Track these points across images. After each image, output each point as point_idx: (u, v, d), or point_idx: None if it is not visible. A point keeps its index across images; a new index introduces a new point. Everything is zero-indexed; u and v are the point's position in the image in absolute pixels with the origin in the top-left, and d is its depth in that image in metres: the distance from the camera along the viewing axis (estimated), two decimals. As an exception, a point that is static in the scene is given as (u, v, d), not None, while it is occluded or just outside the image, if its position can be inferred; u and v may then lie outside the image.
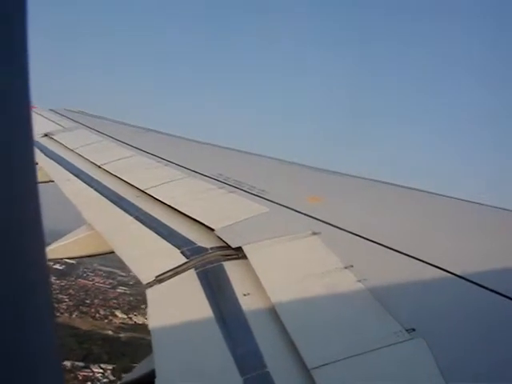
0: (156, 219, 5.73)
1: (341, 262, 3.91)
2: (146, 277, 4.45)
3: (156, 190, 6.60)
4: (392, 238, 4.30)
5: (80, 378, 36.35)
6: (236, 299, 3.80)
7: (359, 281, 3.60)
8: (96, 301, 51.42)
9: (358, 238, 4.37)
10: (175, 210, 5.82)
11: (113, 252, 5.38)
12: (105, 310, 49.65)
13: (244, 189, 6.16)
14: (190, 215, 5.52)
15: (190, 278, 4.28)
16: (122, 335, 45.17)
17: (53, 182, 8.18)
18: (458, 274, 3.56)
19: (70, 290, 51.19)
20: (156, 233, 5.36)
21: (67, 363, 35.10)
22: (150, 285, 4.32)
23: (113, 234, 5.81)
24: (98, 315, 48.26)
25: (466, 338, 3.02)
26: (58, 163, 9.05)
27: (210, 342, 3.42)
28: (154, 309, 4.04)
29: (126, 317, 48.98)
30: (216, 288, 4.03)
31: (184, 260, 4.56)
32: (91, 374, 37.32)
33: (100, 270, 59.61)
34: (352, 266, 3.82)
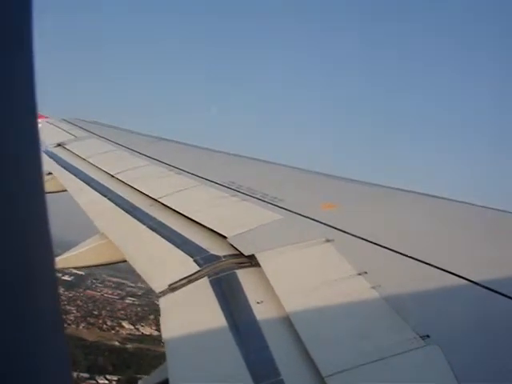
0: (169, 228, 5.74)
1: (354, 269, 3.89)
2: (158, 285, 4.45)
3: (169, 198, 6.61)
4: (406, 245, 4.27)
5: (85, 389, 36.42)
6: (249, 307, 3.79)
7: (373, 288, 3.58)
8: (104, 312, 51.49)
9: (371, 244, 4.35)
10: (188, 218, 5.83)
11: (125, 261, 5.39)
12: (112, 320, 49.69)
13: (257, 196, 6.15)
14: (203, 223, 5.52)
15: (203, 286, 4.27)
16: (128, 346, 45.22)
17: (66, 191, 8.22)
18: (472, 280, 3.53)
19: (78, 301, 51.30)
20: (169, 241, 5.37)
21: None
22: (163, 293, 4.32)
23: (126, 242, 5.82)
24: (105, 326, 48.31)
25: (481, 344, 2.99)
26: (71, 172, 9.10)
27: (223, 350, 3.41)
28: (167, 317, 4.04)
29: (133, 327, 49.03)
30: (229, 296, 4.02)
31: (197, 268, 4.56)
32: (96, 385, 37.38)
33: (109, 281, 59.76)
34: (366, 273, 3.80)
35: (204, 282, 4.32)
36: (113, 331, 47.93)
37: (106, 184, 7.94)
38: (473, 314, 3.33)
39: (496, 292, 3.34)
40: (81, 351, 38.87)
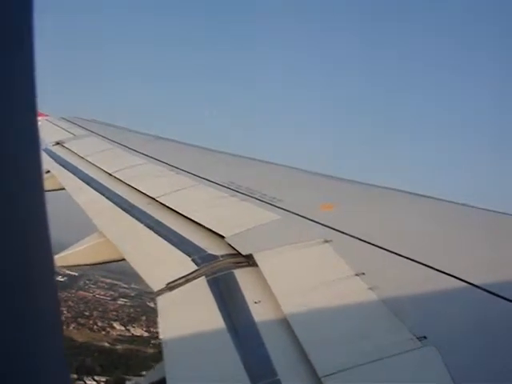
0: (167, 227, 5.74)
1: (352, 270, 3.89)
2: (156, 284, 4.45)
3: (167, 197, 6.61)
4: (404, 246, 4.27)
5: (72, 390, 36.36)
6: (246, 307, 3.79)
7: (370, 288, 3.59)
8: (95, 313, 51.50)
9: (369, 245, 4.35)
10: (186, 217, 5.83)
11: (123, 259, 5.39)
12: (103, 321, 49.68)
13: (255, 196, 6.15)
14: (201, 223, 5.53)
15: (201, 285, 4.27)
16: (118, 347, 45.20)
17: (64, 189, 8.22)
18: (469, 281, 3.53)
19: (70, 302, 51.18)
20: (167, 240, 5.37)
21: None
22: (160, 292, 4.32)
23: (124, 241, 5.83)
24: (95, 327, 48.29)
25: (478, 346, 2.99)
26: (69, 171, 9.10)
27: (220, 350, 3.41)
28: (164, 316, 4.04)
29: (123, 329, 49.05)
30: (226, 295, 4.02)
31: (195, 267, 4.56)
32: (84, 386, 37.34)
33: (102, 282, 59.78)
34: (363, 274, 3.80)
35: (202, 282, 4.32)
36: (103, 332, 47.92)
37: (104, 182, 7.93)
38: (470, 316, 3.33)
39: (492, 294, 3.35)
40: (70, 352, 38.81)
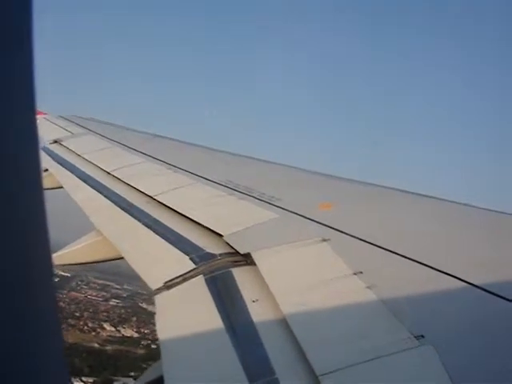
0: (165, 225, 5.74)
1: (350, 269, 3.90)
2: (154, 283, 4.45)
3: (165, 196, 6.61)
4: (401, 245, 4.28)
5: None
6: (244, 305, 3.79)
7: (368, 287, 3.59)
8: (86, 313, 51.48)
9: (367, 244, 4.35)
10: (184, 216, 5.83)
11: (121, 258, 5.39)
12: (93, 322, 49.68)
13: (254, 195, 6.15)
14: (199, 221, 5.53)
15: (199, 284, 4.27)
16: (108, 348, 45.21)
17: (62, 188, 8.21)
18: (468, 281, 3.54)
19: (60, 303, 51.18)
20: (165, 239, 5.37)
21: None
22: (158, 291, 4.32)
23: (122, 240, 5.83)
24: (85, 328, 48.27)
25: (476, 345, 2.99)
26: (67, 169, 9.10)
27: (218, 348, 3.42)
28: (162, 315, 4.04)
29: (114, 329, 49.04)
30: (224, 294, 4.02)
31: (193, 266, 4.56)
32: (71, 387, 37.31)
33: (94, 283, 59.76)
34: (361, 273, 3.80)
35: (199, 280, 4.32)
36: (93, 333, 47.91)
37: (102, 181, 7.93)
38: (467, 315, 3.33)
39: (491, 293, 3.35)
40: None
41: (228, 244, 4.80)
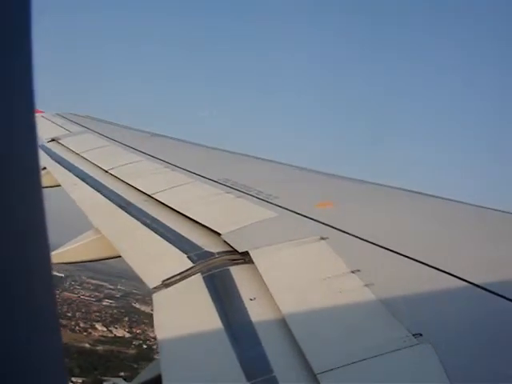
0: (163, 224, 5.73)
1: (348, 267, 3.90)
2: (152, 281, 4.45)
3: (163, 194, 6.61)
4: (400, 244, 4.28)
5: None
6: (242, 304, 3.79)
7: (366, 286, 3.59)
8: (78, 314, 51.46)
9: (365, 243, 4.35)
10: (182, 214, 5.83)
11: (119, 256, 5.39)
12: (85, 322, 49.67)
13: (251, 194, 6.15)
14: (197, 220, 5.53)
15: (197, 282, 4.27)
16: (99, 348, 45.23)
17: (60, 186, 8.21)
18: (466, 279, 3.54)
19: (53, 303, 51.11)
20: (163, 237, 5.37)
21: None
22: (156, 289, 4.32)
23: (120, 238, 5.82)
24: (77, 328, 48.22)
25: (474, 343, 2.99)
26: (65, 168, 9.09)
27: (216, 347, 3.42)
28: (160, 313, 4.04)
29: (105, 329, 49.01)
30: (222, 292, 4.02)
31: (191, 264, 4.56)
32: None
33: (88, 283, 59.73)
34: (359, 271, 3.81)
35: (197, 279, 4.32)
36: (85, 333, 47.90)
37: (100, 179, 7.93)
38: (466, 313, 3.34)
39: (489, 291, 3.35)
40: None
41: (226, 242, 4.80)
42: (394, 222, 5.24)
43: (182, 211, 5.89)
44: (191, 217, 5.66)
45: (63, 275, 54.49)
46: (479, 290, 3.39)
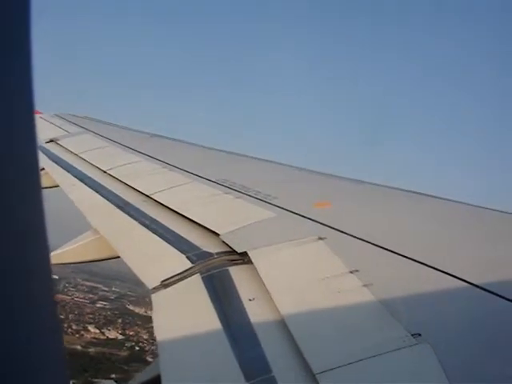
0: (162, 224, 5.73)
1: (347, 267, 3.90)
2: (151, 281, 4.45)
3: (162, 195, 6.60)
4: (398, 244, 4.28)
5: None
6: (241, 304, 3.79)
7: (365, 286, 3.59)
8: (71, 316, 51.18)
9: (364, 243, 4.36)
10: (181, 215, 5.83)
11: (118, 257, 5.39)
12: (78, 324, 49.45)
13: (250, 194, 6.15)
14: (196, 220, 5.53)
15: (196, 282, 4.27)
16: (90, 350, 45.03)
17: (58, 186, 8.20)
18: (465, 279, 3.54)
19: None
20: (161, 238, 5.36)
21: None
22: (155, 289, 4.32)
23: (118, 239, 5.82)
24: (69, 330, 47.86)
25: (472, 343, 3.00)
26: (63, 168, 9.08)
27: (215, 347, 3.42)
28: (158, 313, 4.04)
29: (98, 331, 48.87)
30: (221, 293, 4.02)
31: (189, 265, 4.56)
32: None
33: (82, 285, 59.55)
34: (358, 271, 3.81)
35: (196, 279, 4.32)
36: (77, 335, 47.64)
37: (98, 180, 7.92)
38: (465, 313, 3.34)
39: (488, 291, 3.35)
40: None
41: (224, 243, 4.80)
42: (392, 222, 5.24)
43: (180, 211, 5.89)
44: (190, 217, 5.66)
45: (57, 277, 54.40)
46: (478, 290, 3.40)
